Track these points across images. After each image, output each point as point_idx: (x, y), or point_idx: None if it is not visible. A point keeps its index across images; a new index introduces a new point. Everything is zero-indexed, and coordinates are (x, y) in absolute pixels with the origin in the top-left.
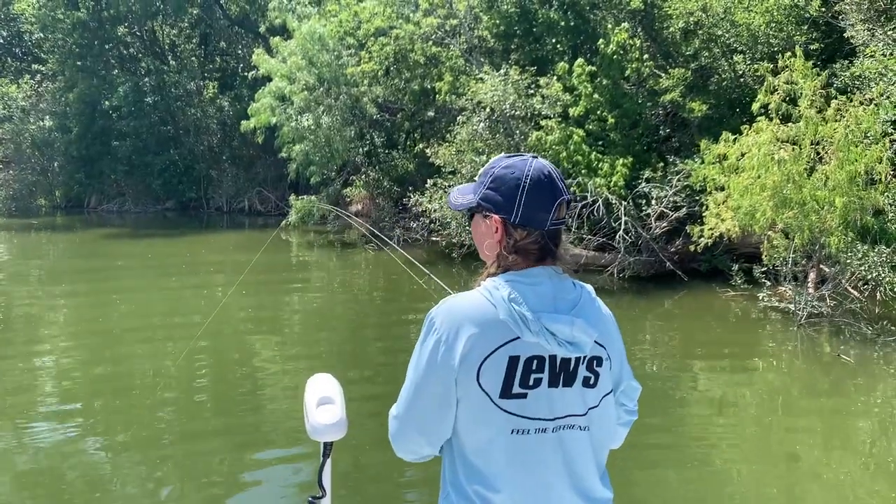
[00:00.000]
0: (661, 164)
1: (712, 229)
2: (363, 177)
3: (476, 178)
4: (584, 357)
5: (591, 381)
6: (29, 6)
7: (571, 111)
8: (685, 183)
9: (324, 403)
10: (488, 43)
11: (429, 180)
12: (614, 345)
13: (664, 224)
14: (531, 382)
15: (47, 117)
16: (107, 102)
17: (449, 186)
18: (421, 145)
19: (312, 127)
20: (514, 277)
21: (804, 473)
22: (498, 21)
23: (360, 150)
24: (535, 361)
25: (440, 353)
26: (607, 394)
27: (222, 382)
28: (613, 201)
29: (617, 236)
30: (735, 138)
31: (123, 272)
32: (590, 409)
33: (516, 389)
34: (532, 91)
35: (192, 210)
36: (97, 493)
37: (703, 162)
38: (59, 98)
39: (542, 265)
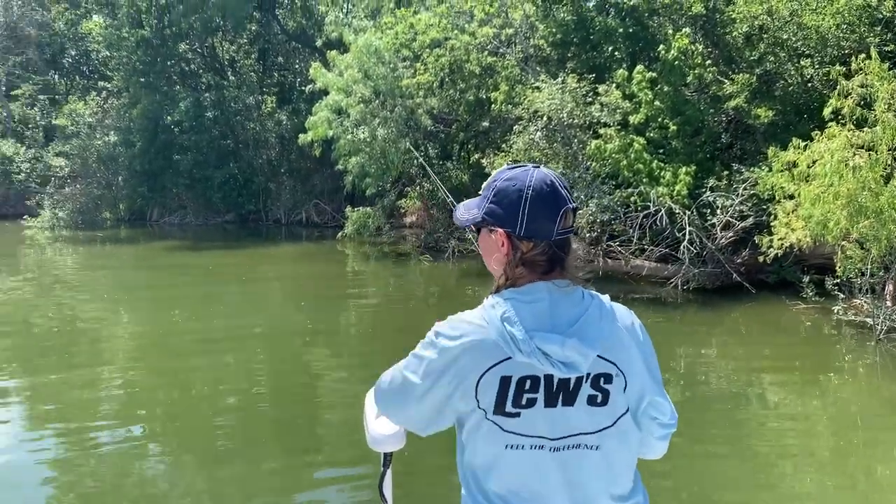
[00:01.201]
0: (726, 172)
1: (782, 239)
2: (417, 188)
3: (480, 192)
4: (589, 375)
5: (600, 400)
6: (96, 25)
7: (631, 119)
8: (752, 191)
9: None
10: (544, 52)
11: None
12: (630, 359)
13: (730, 234)
14: (524, 402)
15: (112, 133)
16: (169, 117)
17: None
18: (477, 156)
19: (368, 139)
20: (512, 295)
21: (885, 494)
22: (554, 29)
23: (415, 161)
24: (529, 381)
25: (435, 368)
26: (624, 413)
27: (280, 394)
28: (677, 211)
29: (681, 247)
30: (805, 145)
31: (185, 283)
32: (603, 428)
33: (509, 408)
34: (590, 99)
35: (251, 222)
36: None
37: (770, 170)
38: (124, 114)
39: (550, 277)
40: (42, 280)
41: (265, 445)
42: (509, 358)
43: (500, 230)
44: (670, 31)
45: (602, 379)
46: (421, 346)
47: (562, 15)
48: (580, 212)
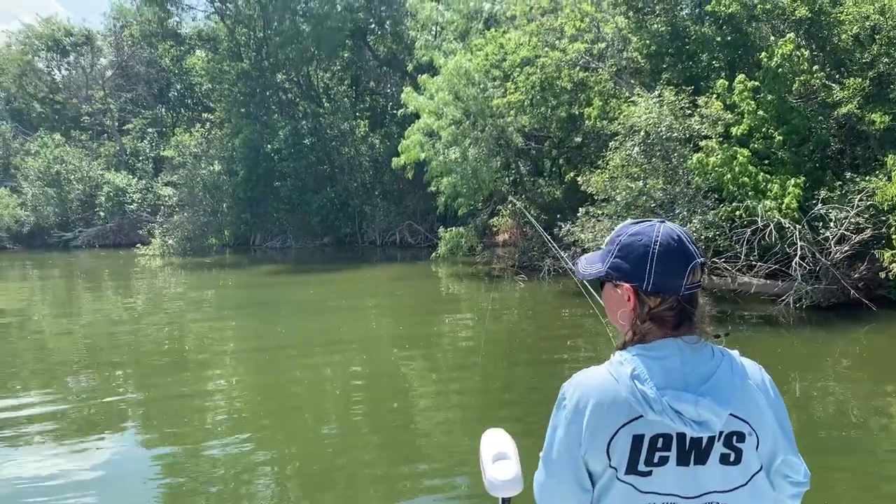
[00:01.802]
0: (838, 182)
1: None
2: (510, 206)
3: (603, 247)
4: (721, 433)
5: (733, 459)
6: (199, 60)
7: (733, 130)
8: (868, 202)
9: (499, 459)
10: (638, 64)
11: (580, 209)
12: (762, 418)
13: (845, 248)
14: (656, 460)
15: (216, 162)
16: (269, 146)
17: (602, 215)
18: (572, 174)
19: (459, 160)
20: (641, 351)
21: None
22: (648, 41)
23: (507, 179)
24: (661, 440)
25: (570, 430)
26: (757, 471)
27: (379, 407)
28: (786, 225)
29: (793, 263)
30: None
31: (286, 306)
32: (736, 487)
33: (641, 468)
34: (689, 111)
35: (347, 244)
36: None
37: (889, 178)
38: (227, 143)
39: (679, 333)
40: (154, 304)
41: (366, 455)
42: (641, 416)
43: (627, 285)
44: (772, 38)
45: (735, 437)
46: (552, 416)
47: (655, 26)
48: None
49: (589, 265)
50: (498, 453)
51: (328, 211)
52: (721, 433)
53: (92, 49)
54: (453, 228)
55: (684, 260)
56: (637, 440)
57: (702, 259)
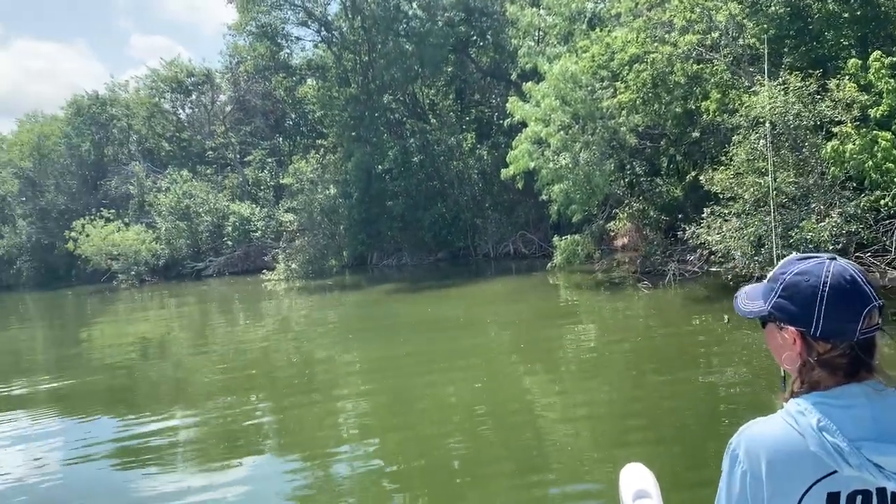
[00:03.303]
0: None
1: None
2: (627, 209)
3: (765, 282)
4: None
5: None
6: (310, 89)
7: (871, 112)
8: None
9: (640, 497)
10: (756, 50)
11: (705, 208)
12: None
13: None
14: None
15: (331, 186)
16: (379, 167)
17: (729, 213)
18: (693, 173)
19: (570, 165)
20: (823, 399)
21: None
22: (766, 25)
23: (622, 181)
24: (860, 497)
25: (749, 487)
26: None
27: (502, 421)
28: None
29: None
30: None
31: (406, 323)
32: None
33: None
34: (819, 96)
35: (461, 258)
36: None
37: None
38: (340, 167)
39: (856, 380)
40: (282, 326)
41: (492, 466)
42: (835, 472)
43: (792, 328)
44: None
45: None
46: (725, 475)
47: (772, 8)
48: (822, 224)
49: (749, 301)
50: (638, 490)
51: (440, 226)
52: None
53: (212, 87)
54: (568, 236)
55: (860, 303)
56: (832, 498)
57: (881, 302)
